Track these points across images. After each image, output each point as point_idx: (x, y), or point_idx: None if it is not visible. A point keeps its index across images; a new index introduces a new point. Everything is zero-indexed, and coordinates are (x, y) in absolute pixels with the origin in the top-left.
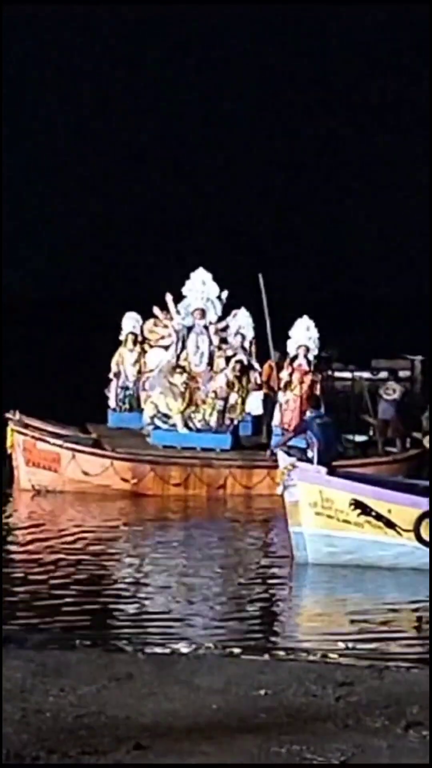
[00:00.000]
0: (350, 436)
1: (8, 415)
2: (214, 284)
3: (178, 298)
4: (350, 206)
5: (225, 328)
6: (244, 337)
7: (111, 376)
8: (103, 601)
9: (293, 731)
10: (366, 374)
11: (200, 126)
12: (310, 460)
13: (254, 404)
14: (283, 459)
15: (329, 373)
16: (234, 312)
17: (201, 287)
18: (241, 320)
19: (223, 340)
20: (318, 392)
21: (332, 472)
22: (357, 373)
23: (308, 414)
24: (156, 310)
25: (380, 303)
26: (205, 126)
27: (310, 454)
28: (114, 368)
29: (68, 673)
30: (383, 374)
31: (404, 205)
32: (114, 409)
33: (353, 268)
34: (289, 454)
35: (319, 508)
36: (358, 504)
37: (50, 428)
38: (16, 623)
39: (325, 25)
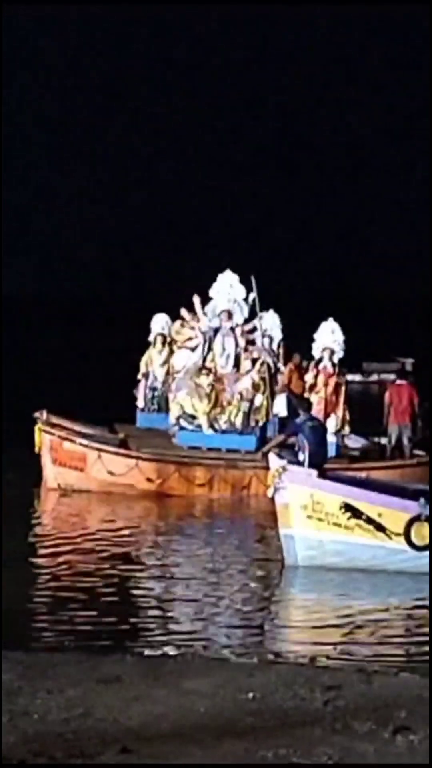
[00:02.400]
0: (376, 439)
1: (36, 415)
2: (241, 286)
3: (206, 300)
4: (350, 208)
5: (252, 330)
6: (271, 339)
7: (139, 376)
8: (96, 603)
9: (281, 735)
10: (357, 377)
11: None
12: (301, 463)
13: (280, 406)
14: (274, 462)
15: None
16: (261, 314)
17: (228, 289)
18: (268, 322)
19: (250, 342)
20: (343, 395)
21: (323, 474)
22: (349, 376)
23: (299, 417)
24: (183, 311)
25: (372, 304)
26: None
27: (300, 456)
28: (143, 369)
29: (56, 675)
30: (374, 377)
31: (403, 206)
32: (142, 410)
33: (347, 268)
34: (280, 457)
35: (310, 511)
36: (348, 507)
37: (77, 428)
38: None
39: (324, 22)
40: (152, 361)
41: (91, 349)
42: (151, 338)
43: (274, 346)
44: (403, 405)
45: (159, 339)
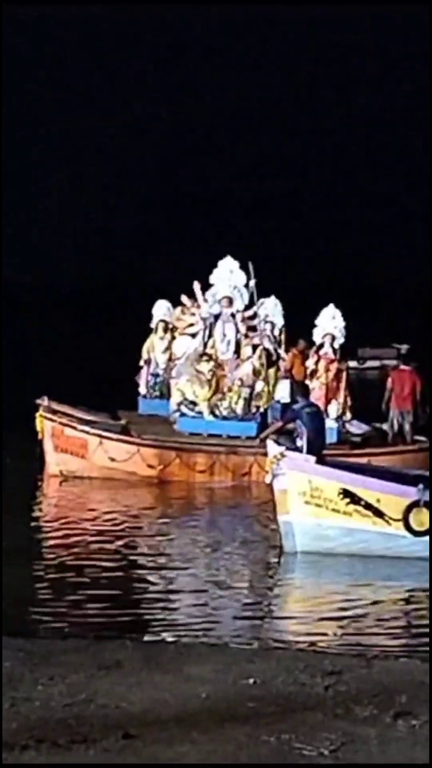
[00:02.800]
0: (377, 424)
1: (38, 402)
2: (242, 273)
3: (206, 286)
4: (348, 193)
5: (253, 316)
6: (273, 325)
7: (142, 363)
8: (97, 589)
9: (282, 720)
10: (353, 363)
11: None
12: (299, 449)
13: (284, 391)
14: (272, 448)
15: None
16: (262, 300)
17: (228, 276)
18: (270, 308)
19: (252, 328)
20: (345, 381)
21: (321, 461)
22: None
23: (297, 403)
24: (184, 298)
25: (366, 290)
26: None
27: (299, 443)
28: (144, 355)
29: (57, 661)
30: (374, 363)
31: (402, 192)
32: (144, 396)
33: (342, 254)
34: (278, 443)
35: (308, 497)
36: (346, 493)
37: (80, 414)
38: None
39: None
40: (154, 347)
41: (94, 335)
42: (152, 325)
43: (276, 332)
44: (406, 391)
45: (161, 325)
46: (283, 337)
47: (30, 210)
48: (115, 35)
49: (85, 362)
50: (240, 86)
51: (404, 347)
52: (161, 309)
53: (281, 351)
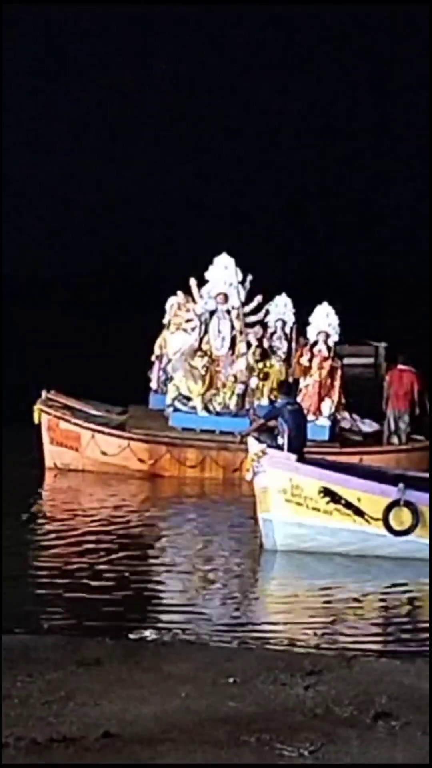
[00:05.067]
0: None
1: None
2: (237, 269)
3: (202, 282)
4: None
5: (262, 313)
6: (284, 323)
7: (153, 358)
8: (76, 586)
9: (262, 720)
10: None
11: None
12: (280, 447)
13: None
14: (253, 445)
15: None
16: (275, 298)
17: (223, 272)
18: (281, 306)
19: (249, 325)
20: (339, 379)
21: (302, 459)
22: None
23: (279, 400)
24: (180, 294)
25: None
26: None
27: (280, 440)
28: (156, 351)
29: (36, 658)
30: (347, 360)
31: (398, 184)
32: (155, 391)
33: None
34: (259, 441)
35: (289, 495)
36: (327, 492)
37: (83, 407)
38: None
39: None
40: (166, 343)
41: (111, 330)
42: (165, 320)
43: (287, 330)
44: (404, 390)
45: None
46: (294, 335)
47: (39, 200)
48: (114, 26)
49: (100, 356)
50: (240, 82)
51: (382, 345)
52: (174, 305)
53: (293, 347)
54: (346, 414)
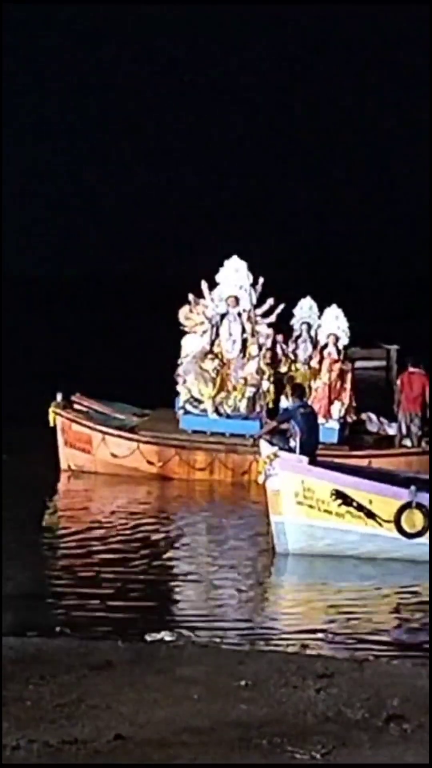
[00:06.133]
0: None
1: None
2: (248, 272)
3: (213, 285)
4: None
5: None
6: (310, 326)
7: (179, 361)
8: (88, 589)
9: (274, 723)
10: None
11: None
12: (292, 450)
13: None
14: (265, 448)
15: None
16: (300, 301)
17: (234, 275)
18: (306, 308)
19: (271, 325)
20: (349, 381)
21: (314, 461)
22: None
23: (291, 403)
24: (191, 296)
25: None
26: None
27: (292, 443)
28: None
29: (48, 661)
30: (359, 363)
31: (402, 189)
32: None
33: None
34: (271, 443)
35: (301, 498)
36: (339, 494)
37: (106, 410)
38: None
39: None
40: None
41: (143, 332)
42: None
43: (312, 333)
44: (415, 393)
45: None
46: (319, 338)
47: (58, 203)
48: (117, 29)
49: (133, 359)
50: (247, 85)
51: (394, 348)
52: (186, 310)
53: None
54: (373, 416)
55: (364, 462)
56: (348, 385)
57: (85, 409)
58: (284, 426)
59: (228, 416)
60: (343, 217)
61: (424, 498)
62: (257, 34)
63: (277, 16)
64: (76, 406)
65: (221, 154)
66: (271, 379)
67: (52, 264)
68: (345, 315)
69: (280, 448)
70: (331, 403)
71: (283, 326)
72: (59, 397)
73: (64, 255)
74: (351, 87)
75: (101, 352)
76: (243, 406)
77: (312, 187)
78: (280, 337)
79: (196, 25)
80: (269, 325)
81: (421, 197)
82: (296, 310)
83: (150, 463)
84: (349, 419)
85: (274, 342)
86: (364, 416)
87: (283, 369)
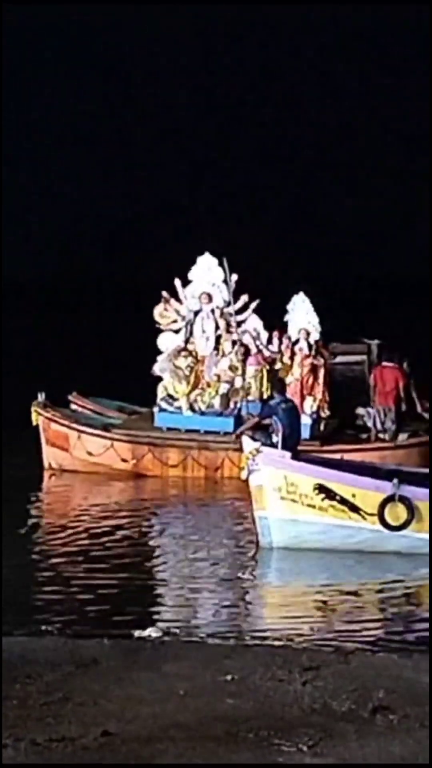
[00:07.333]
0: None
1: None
2: (220, 269)
3: (186, 282)
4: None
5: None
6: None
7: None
8: (72, 587)
9: (261, 716)
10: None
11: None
12: (274, 445)
13: None
14: (248, 444)
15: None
16: (293, 299)
17: (207, 272)
18: (300, 306)
19: (239, 324)
20: (322, 377)
21: (296, 456)
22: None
23: (273, 399)
24: (165, 294)
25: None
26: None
27: (274, 439)
28: None
29: (35, 659)
30: (340, 359)
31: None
32: None
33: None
34: (253, 439)
35: (284, 493)
36: (322, 488)
37: (98, 409)
38: None
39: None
40: None
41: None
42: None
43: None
44: (387, 387)
45: None
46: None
47: (52, 207)
48: (114, 26)
49: (129, 359)
50: (231, 85)
51: (375, 343)
52: (160, 308)
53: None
54: (371, 410)
55: (336, 457)
56: (321, 381)
57: (79, 408)
58: (266, 421)
59: (202, 413)
60: (331, 211)
61: (406, 491)
62: (251, 35)
63: (265, 14)
64: (72, 406)
65: (199, 150)
66: (244, 375)
67: (29, 266)
68: (332, 310)
69: (263, 444)
70: (303, 398)
71: (277, 323)
72: (41, 396)
73: (37, 257)
74: (345, 82)
75: (100, 351)
76: (217, 402)
77: (293, 183)
78: (276, 333)
79: (177, 30)
80: (242, 322)
81: (422, 197)
82: (289, 306)
83: (124, 460)
84: (322, 414)
85: (270, 338)
86: (361, 411)
87: (278, 365)
